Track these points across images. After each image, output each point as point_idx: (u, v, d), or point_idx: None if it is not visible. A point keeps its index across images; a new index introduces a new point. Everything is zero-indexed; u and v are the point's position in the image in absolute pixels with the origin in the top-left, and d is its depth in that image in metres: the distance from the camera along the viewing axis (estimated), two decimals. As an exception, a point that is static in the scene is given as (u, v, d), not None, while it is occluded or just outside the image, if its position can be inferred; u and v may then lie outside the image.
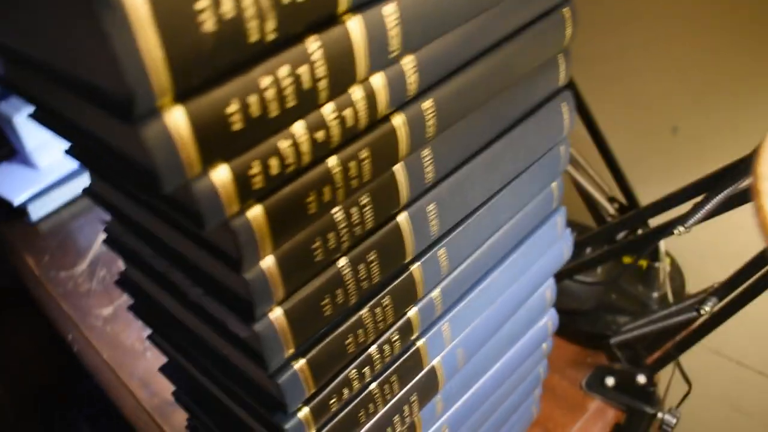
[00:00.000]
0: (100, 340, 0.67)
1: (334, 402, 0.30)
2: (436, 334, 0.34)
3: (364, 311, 0.29)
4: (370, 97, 0.24)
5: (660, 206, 0.51)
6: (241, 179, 0.20)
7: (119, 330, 0.67)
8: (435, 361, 0.35)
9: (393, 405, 0.34)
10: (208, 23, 0.17)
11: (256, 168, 0.21)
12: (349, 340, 0.29)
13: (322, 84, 0.21)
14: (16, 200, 0.83)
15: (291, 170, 0.22)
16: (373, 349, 0.31)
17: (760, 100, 0.59)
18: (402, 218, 0.29)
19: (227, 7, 0.17)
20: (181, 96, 0.18)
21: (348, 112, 0.23)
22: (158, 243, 0.28)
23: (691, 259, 0.66)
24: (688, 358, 0.54)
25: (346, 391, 0.30)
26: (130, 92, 0.16)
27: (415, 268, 0.31)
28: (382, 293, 0.30)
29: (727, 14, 0.59)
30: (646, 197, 0.61)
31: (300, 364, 0.27)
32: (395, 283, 0.30)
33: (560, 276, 0.47)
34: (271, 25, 0.19)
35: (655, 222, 0.53)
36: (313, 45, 0.21)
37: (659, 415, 0.55)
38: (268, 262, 0.23)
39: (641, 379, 0.55)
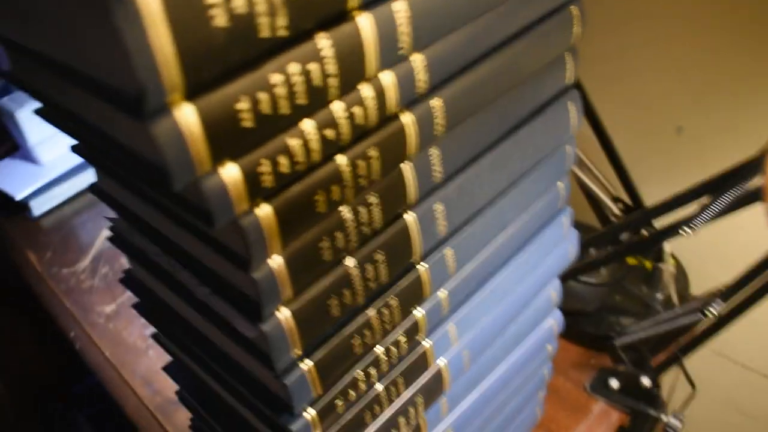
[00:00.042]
0: (102, 337, 0.66)
1: (340, 403, 0.29)
2: (443, 335, 0.34)
3: (371, 311, 0.29)
4: (380, 94, 0.23)
5: (665, 207, 0.51)
6: (251, 177, 0.20)
7: (121, 327, 0.67)
8: (441, 362, 0.35)
9: (399, 406, 0.34)
10: (220, 18, 0.17)
11: (265, 166, 0.20)
12: (356, 340, 0.29)
13: (332, 81, 0.21)
14: (19, 196, 0.83)
15: (300, 168, 0.22)
16: (379, 349, 0.30)
17: (764, 99, 0.59)
18: (409, 217, 0.29)
19: (239, 2, 0.17)
20: (192, 92, 0.18)
21: (357, 110, 0.23)
22: (165, 241, 0.28)
23: (695, 260, 0.66)
24: (693, 361, 0.54)
25: (352, 392, 0.30)
26: (141, 88, 0.16)
27: (422, 268, 0.30)
28: (390, 293, 0.29)
29: (729, 14, 0.58)
30: (649, 197, 0.61)
31: (307, 364, 0.27)
32: (402, 283, 0.30)
33: (564, 277, 0.47)
34: (282, 20, 0.19)
35: (659, 223, 0.53)
36: (324, 42, 0.20)
37: (663, 417, 0.54)
38: (276, 261, 0.23)
39: (646, 381, 0.55)
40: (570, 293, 0.62)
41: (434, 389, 0.35)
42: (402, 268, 0.30)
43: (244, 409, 0.31)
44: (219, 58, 0.18)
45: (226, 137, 0.19)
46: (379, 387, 0.32)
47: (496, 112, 0.30)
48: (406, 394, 0.34)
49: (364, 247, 0.27)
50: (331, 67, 0.21)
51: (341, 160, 0.24)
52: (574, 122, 0.36)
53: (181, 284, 0.29)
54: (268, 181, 0.21)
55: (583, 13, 0.32)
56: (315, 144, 0.22)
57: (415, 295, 0.31)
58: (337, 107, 0.22)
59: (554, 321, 0.45)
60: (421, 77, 0.25)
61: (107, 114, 0.21)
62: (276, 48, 0.19)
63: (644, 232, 0.59)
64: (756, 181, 0.42)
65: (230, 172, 0.20)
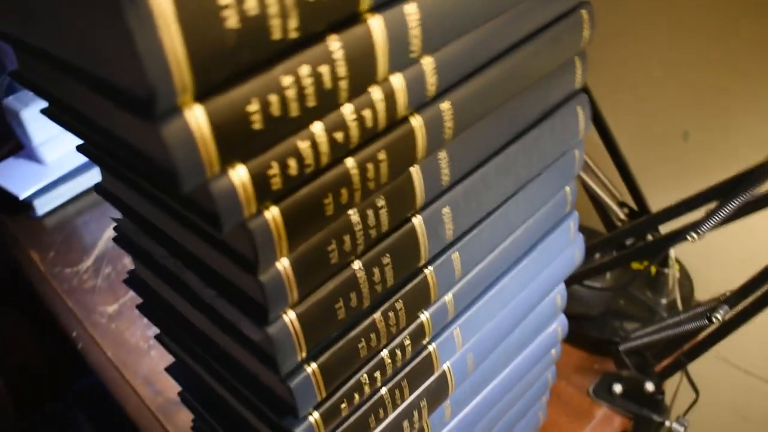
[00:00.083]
0: (104, 337, 0.66)
1: (344, 407, 0.29)
2: (448, 339, 0.34)
3: (377, 315, 0.29)
4: (389, 97, 0.23)
5: (672, 212, 0.51)
6: (260, 180, 0.20)
7: (124, 328, 0.67)
8: (445, 366, 0.35)
9: (403, 410, 0.33)
10: (232, 20, 0.17)
11: (274, 168, 0.20)
12: (362, 344, 0.28)
13: (343, 84, 0.21)
14: (22, 195, 0.83)
15: (309, 171, 0.22)
16: (384, 353, 0.30)
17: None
18: (417, 221, 0.28)
19: (251, 3, 0.17)
20: (202, 94, 0.18)
21: (367, 113, 0.23)
22: (171, 243, 0.27)
23: (699, 265, 0.66)
24: (695, 366, 0.54)
25: (356, 396, 0.30)
26: (152, 89, 0.16)
27: (428, 271, 0.30)
28: (396, 297, 0.29)
29: (734, 21, 0.58)
30: (655, 202, 0.61)
31: (312, 368, 0.26)
32: (409, 286, 0.30)
33: (569, 281, 0.47)
34: (293, 22, 0.18)
35: (663, 228, 0.52)
36: (335, 44, 0.20)
37: (666, 423, 0.54)
38: (283, 264, 0.23)
39: (649, 386, 0.55)
40: (574, 297, 0.62)
41: (438, 393, 0.35)
42: (408, 272, 0.29)
43: (246, 412, 0.31)
44: (230, 60, 0.17)
45: (236, 139, 0.19)
46: (383, 391, 0.32)
47: (506, 115, 0.30)
48: (411, 398, 0.34)
49: (371, 251, 0.27)
50: (342, 70, 0.21)
51: (350, 163, 0.23)
52: (583, 126, 0.36)
53: (186, 286, 0.29)
54: (276, 183, 0.21)
55: (593, 16, 0.32)
56: (324, 147, 0.22)
57: (421, 299, 0.31)
58: (347, 110, 0.22)
59: (559, 325, 0.45)
60: (432, 80, 0.25)
61: (115, 114, 0.21)
62: (287, 50, 0.19)
63: (650, 236, 0.59)
64: (764, 187, 0.42)
65: (239, 175, 0.20)
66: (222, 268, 0.25)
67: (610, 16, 0.65)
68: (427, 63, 0.24)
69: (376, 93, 0.23)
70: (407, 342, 0.31)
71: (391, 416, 0.33)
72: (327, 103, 0.21)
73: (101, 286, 0.73)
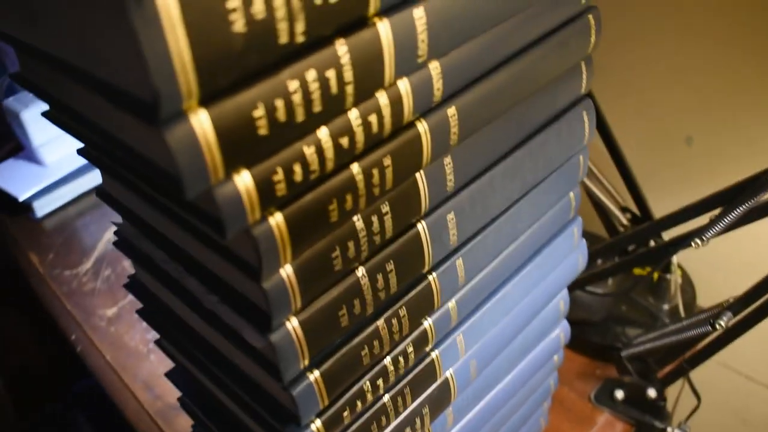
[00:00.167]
0: (103, 340, 0.66)
1: (346, 414, 0.29)
2: (451, 346, 0.34)
3: (380, 322, 0.28)
4: (396, 103, 0.23)
5: (676, 218, 0.51)
6: (265, 186, 0.20)
7: (123, 331, 0.67)
8: (448, 373, 0.35)
9: (405, 417, 0.33)
10: (239, 23, 0.16)
11: (279, 174, 0.20)
12: (365, 351, 0.28)
13: (349, 89, 0.21)
14: (22, 196, 0.83)
15: (314, 177, 0.21)
16: (387, 360, 0.30)
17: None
18: (421, 227, 0.28)
19: (259, 7, 0.17)
20: (207, 99, 0.17)
21: (373, 118, 0.22)
22: (172, 247, 0.27)
23: (702, 271, 0.66)
24: (697, 372, 0.54)
25: (359, 404, 0.29)
26: (156, 93, 0.16)
27: (432, 278, 0.30)
28: (399, 304, 0.29)
29: (738, 26, 0.58)
30: (658, 207, 0.61)
31: (315, 375, 0.26)
32: (412, 293, 0.29)
33: (571, 286, 0.47)
34: (300, 26, 0.18)
35: (666, 233, 0.52)
36: (342, 48, 0.20)
37: (668, 429, 0.54)
38: (287, 271, 0.23)
39: (651, 392, 0.55)
40: (576, 303, 0.62)
41: (441, 400, 0.35)
42: (412, 279, 0.29)
43: (248, 419, 0.31)
44: (236, 64, 0.17)
45: (241, 145, 0.18)
46: (386, 398, 0.31)
47: (512, 120, 0.30)
48: (413, 406, 0.33)
49: (375, 257, 0.27)
50: (349, 74, 0.20)
51: (355, 168, 0.23)
52: (588, 132, 0.36)
53: (188, 291, 0.29)
54: (281, 189, 0.20)
55: (600, 21, 0.32)
56: (329, 152, 0.21)
57: (424, 306, 0.30)
58: (353, 115, 0.22)
59: (562, 331, 0.44)
60: (438, 85, 0.24)
61: (118, 118, 0.21)
62: (294, 54, 0.19)
63: (652, 242, 0.59)
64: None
65: (244, 181, 0.19)
66: (224, 273, 0.25)
67: (615, 21, 0.64)
68: (434, 68, 0.24)
69: (382, 98, 0.22)
70: (410, 349, 0.31)
71: (394, 423, 0.33)
72: (333, 108, 0.21)
73: (101, 288, 0.73)
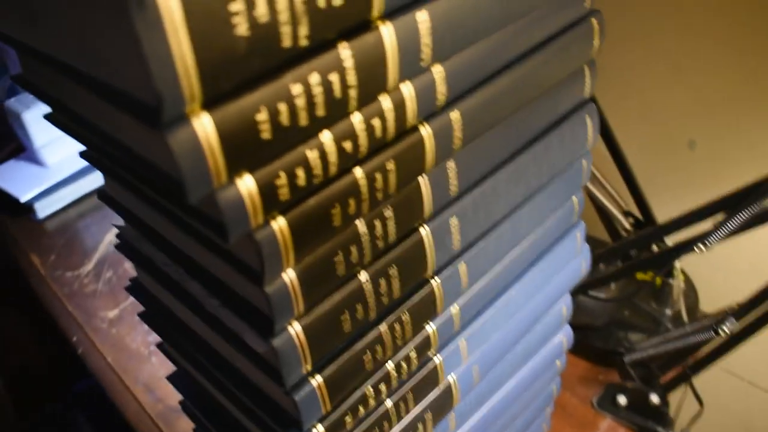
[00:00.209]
0: (104, 342, 0.66)
1: (349, 420, 0.29)
2: (453, 351, 0.34)
3: (383, 327, 0.28)
4: (399, 106, 0.23)
5: (679, 223, 0.51)
6: (267, 190, 0.20)
7: (124, 333, 0.67)
8: (451, 378, 0.34)
9: (407, 422, 0.33)
10: (242, 26, 0.16)
11: (282, 178, 0.20)
12: (367, 356, 0.28)
13: (353, 92, 0.21)
14: (23, 197, 0.83)
15: (317, 181, 0.21)
16: (390, 365, 0.30)
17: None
18: (424, 232, 0.28)
19: (262, 10, 0.16)
20: (210, 102, 0.17)
21: (376, 122, 0.22)
22: (174, 251, 0.27)
23: (704, 276, 0.65)
24: (700, 378, 0.54)
25: (361, 409, 0.29)
26: (159, 97, 0.15)
27: (435, 282, 0.30)
28: (402, 308, 0.29)
29: (741, 29, 0.58)
30: (660, 212, 0.60)
31: (317, 380, 0.26)
32: (415, 298, 0.29)
33: (573, 291, 0.47)
34: (304, 30, 0.18)
35: (669, 238, 0.52)
36: (345, 52, 0.20)
37: (672, 435, 0.54)
38: (289, 275, 0.23)
39: (654, 398, 0.54)
40: (579, 307, 0.62)
41: (443, 405, 0.35)
42: (415, 283, 0.29)
43: (249, 423, 0.30)
44: (239, 68, 0.17)
45: (244, 149, 0.18)
46: (388, 403, 0.31)
47: (515, 125, 0.30)
48: (416, 410, 0.33)
49: (378, 262, 0.26)
50: (352, 78, 0.20)
51: (358, 173, 0.23)
52: (591, 136, 0.35)
53: (190, 295, 0.28)
54: (284, 193, 0.20)
55: (603, 25, 0.32)
56: (333, 156, 0.21)
57: (427, 311, 0.30)
58: (356, 119, 0.22)
59: (564, 336, 0.44)
60: (441, 89, 0.24)
61: (120, 121, 0.20)
62: (297, 58, 0.19)
63: (655, 247, 0.58)
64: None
65: (247, 185, 0.19)
66: (226, 277, 0.25)
67: (616, 22, 0.64)
68: (438, 72, 0.24)
69: (385, 102, 0.22)
70: (413, 354, 0.31)
71: (396, 428, 0.32)
72: (336, 112, 0.21)
73: (102, 290, 0.73)
